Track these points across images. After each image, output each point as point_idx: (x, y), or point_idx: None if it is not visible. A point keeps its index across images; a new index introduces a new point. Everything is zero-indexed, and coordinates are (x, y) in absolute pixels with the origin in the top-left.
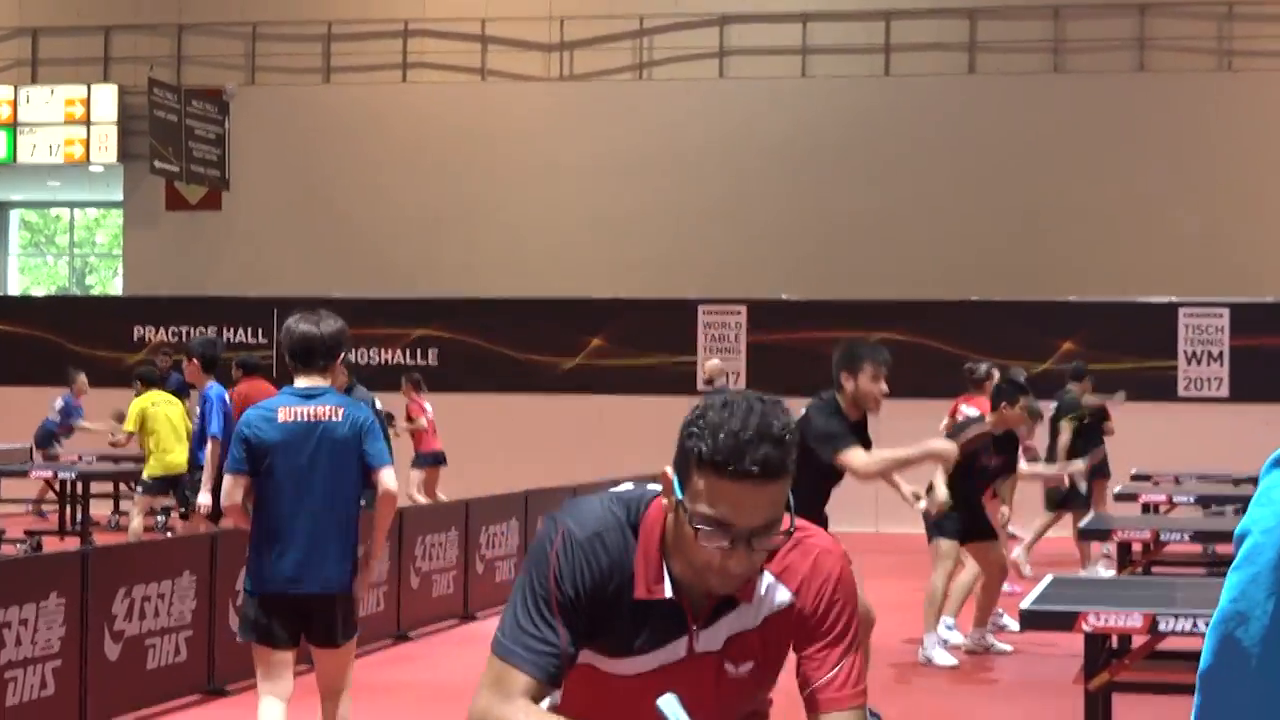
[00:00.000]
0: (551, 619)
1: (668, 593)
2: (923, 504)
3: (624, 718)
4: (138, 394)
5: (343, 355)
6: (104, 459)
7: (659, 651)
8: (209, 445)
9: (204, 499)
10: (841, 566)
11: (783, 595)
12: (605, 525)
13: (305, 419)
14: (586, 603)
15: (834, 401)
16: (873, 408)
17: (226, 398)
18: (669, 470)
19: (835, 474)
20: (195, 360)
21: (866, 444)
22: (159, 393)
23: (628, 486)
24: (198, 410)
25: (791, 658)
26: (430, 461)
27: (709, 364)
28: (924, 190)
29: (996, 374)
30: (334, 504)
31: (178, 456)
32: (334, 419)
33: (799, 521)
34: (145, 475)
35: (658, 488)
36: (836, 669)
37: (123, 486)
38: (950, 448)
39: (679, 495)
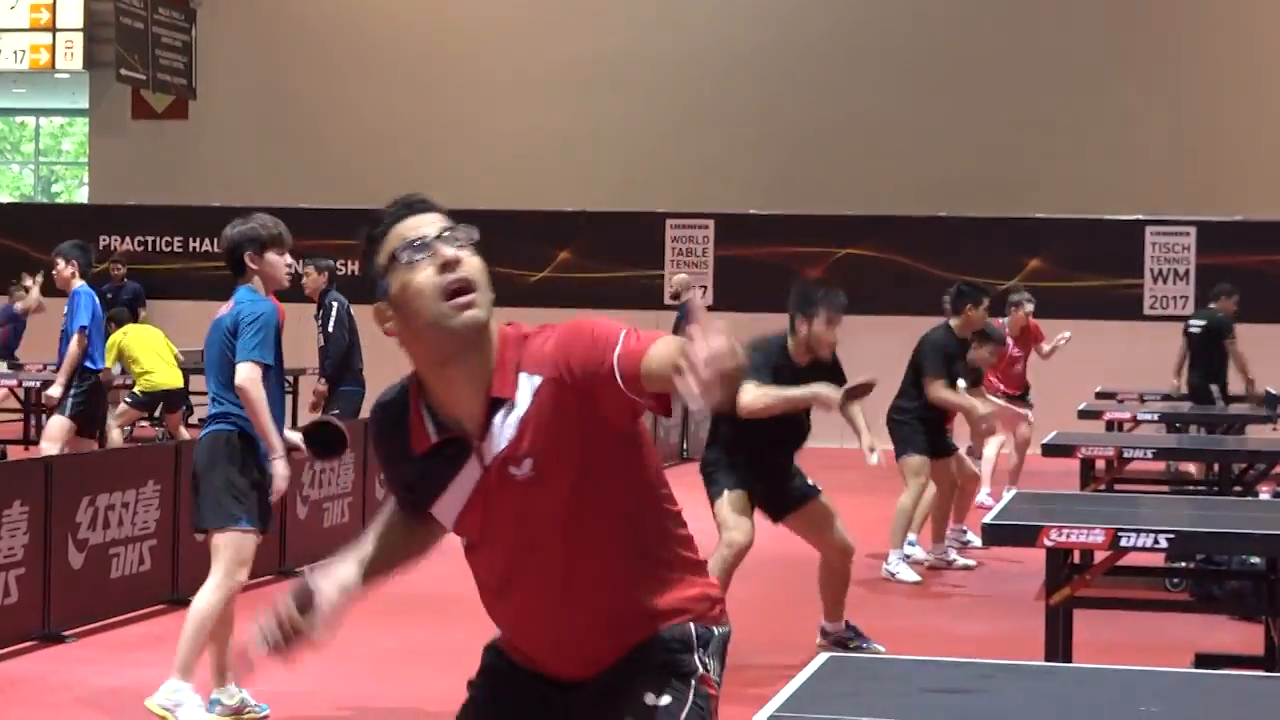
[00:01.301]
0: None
1: (433, 438)
2: (875, 459)
3: (492, 575)
4: (111, 332)
5: (251, 256)
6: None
7: (458, 477)
8: (74, 339)
9: (56, 391)
10: (571, 322)
11: (535, 379)
12: (390, 394)
13: (218, 317)
14: (390, 462)
15: (779, 345)
16: (824, 353)
17: (96, 301)
18: (376, 305)
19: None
20: (72, 263)
21: (836, 381)
22: (131, 325)
23: None
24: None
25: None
26: None
27: (676, 278)
28: (893, 105)
29: (1029, 304)
30: (218, 394)
31: (161, 376)
32: (223, 313)
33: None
34: (136, 389)
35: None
36: (620, 347)
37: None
38: (834, 394)
39: (384, 288)
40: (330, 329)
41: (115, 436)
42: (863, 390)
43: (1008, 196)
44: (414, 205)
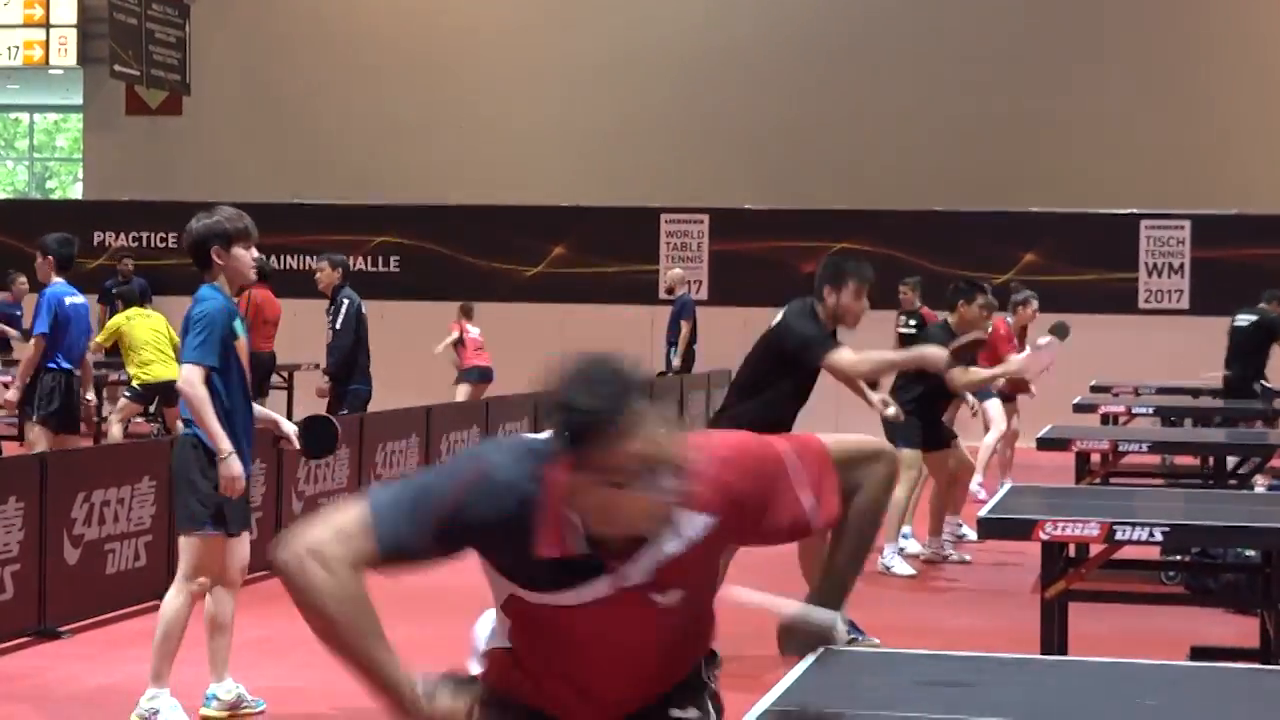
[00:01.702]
0: (428, 526)
1: (574, 549)
2: (891, 410)
3: (572, 648)
4: (111, 314)
5: (218, 251)
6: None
7: (581, 589)
8: (32, 343)
9: (13, 395)
10: (726, 445)
11: (705, 518)
12: (512, 474)
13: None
14: (480, 537)
15: (812, 309)
16: (850, 324)
17: (65, 300)
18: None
19: (812, 379)
20: (50, 258)
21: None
22: (136, 309)
23: (543, 438)
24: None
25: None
26: (475, 377)
27: (671, 274)
28: (888, 100)
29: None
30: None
31: (159, 368)
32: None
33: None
34: (134, 382)
35: (533, 446)
36: (810, 497)
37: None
38: (941, 354)
39: (581, 477)
40: (338, 326)
41: (115, 432)
42: (972, 347)
43: (1003, 191)
44: (643, 395)
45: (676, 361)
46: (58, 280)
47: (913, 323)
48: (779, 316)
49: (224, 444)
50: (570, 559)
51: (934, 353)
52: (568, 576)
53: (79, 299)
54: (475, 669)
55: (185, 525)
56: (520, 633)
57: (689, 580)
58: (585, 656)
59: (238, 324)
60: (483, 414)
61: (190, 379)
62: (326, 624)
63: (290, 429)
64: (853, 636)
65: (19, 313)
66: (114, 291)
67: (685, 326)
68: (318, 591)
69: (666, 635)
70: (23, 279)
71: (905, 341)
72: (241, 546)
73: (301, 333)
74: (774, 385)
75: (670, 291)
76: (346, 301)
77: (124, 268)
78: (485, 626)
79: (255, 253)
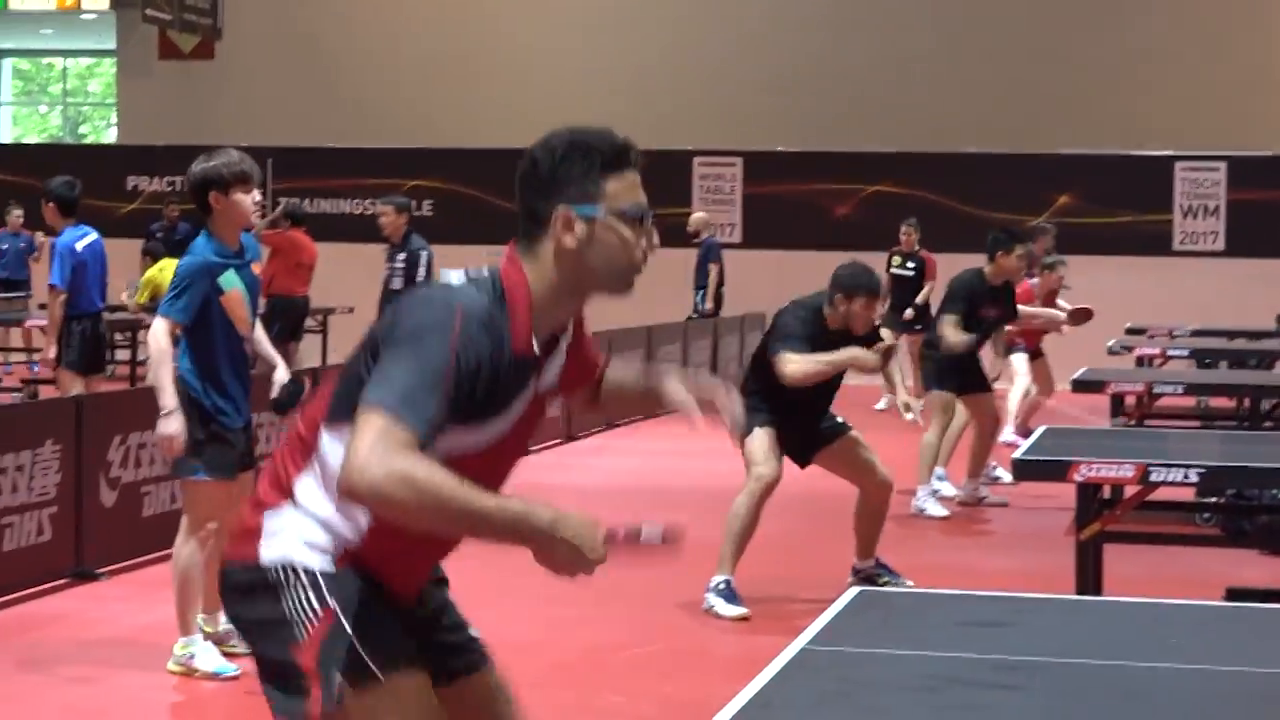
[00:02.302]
0: (439, 390)
1: (535, 349)
2: (911, 416)
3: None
4: (146, 267)
5: (216, 196)
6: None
7: (519, 400)
8: (51, 299)
9: (50, 354)
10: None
11: (567, 337)
12: (484, 303)
13: None
14: (481, 371)
15: (817, 311)
16: (859, 330)
17: (76, 246)
18: (564, 207)
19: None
20: (53, 203)
21: (902, 283)
22: (167, 259)
23: (459, 274)
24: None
25: None
26: None
27: (694, 216)
28: (920, 41)
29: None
30: None
31: None
32: None
33: None
34: None
35: (476, 270)
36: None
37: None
38: (871, 358)
39: (594, 212)
40: (418, 279)
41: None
42: (891, 352)
43: (1036, 132)
44: (637, 160)
45: (709, 305)
46: (67, 225)
47: (910, 265)
48: (788, 304)
49: (166, 400)
50: (520, 360)
51: (864, 355)
52: (523, 378)
53: (91, 237)
54: (319, 561)
55: (179, 472)
56: None
57: (561, 383)
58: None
59: (228, 276)
60: None
61: (154, 331)
62: (439, 515)
63: (280, 379)
64: (886, 579)
65: (5, 244)
66: (158, 236)
67: (714, 269)
68: (404, 501)
69: (522, 454)
70: (18, 212)
71: (900, 284)
72: (244, 490)
73: (335, 276)
74: (769, 373)
75: (696, 235)
76: (424, 253)
77: (170, 214)
78: (317, 527)
79: (256, 196)
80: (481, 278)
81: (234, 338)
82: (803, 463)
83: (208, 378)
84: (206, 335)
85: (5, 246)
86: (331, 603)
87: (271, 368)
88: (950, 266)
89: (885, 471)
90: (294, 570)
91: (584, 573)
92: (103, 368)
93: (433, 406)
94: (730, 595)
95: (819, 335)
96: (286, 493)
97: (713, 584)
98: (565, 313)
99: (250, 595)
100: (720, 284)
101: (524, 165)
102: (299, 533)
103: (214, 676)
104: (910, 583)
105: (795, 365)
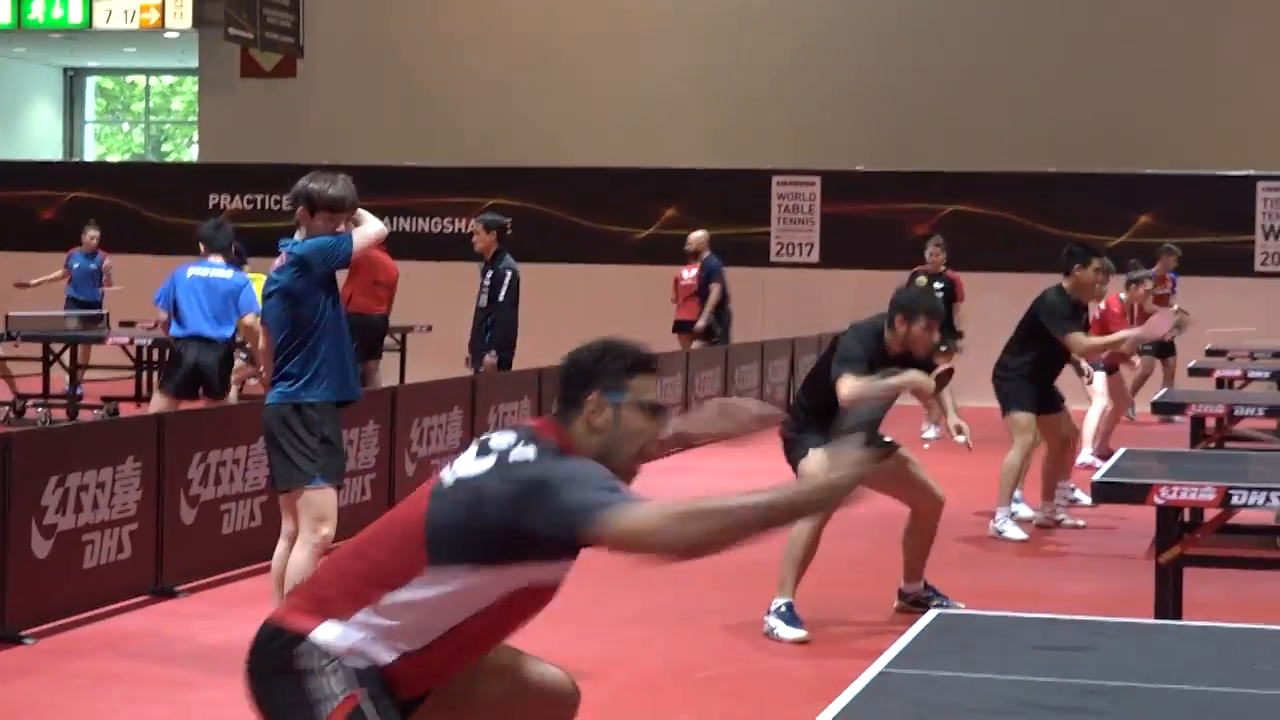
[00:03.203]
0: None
1: None
2: (962, 439)
3: (509, 628)
4: None
5: (301, 214)
6: None
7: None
8: (246, 328)
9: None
10: None
11: None
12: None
13: None
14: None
15: (879, 332)
16: (920, 353)
17: (186, 273)
18: (597, 394)
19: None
20: (201, 244)
21: (926, 369)
22: (249, 272)
23: (509, 437)
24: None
25: None
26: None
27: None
28: (1000, 60)
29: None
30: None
31: None
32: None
33: None
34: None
35: (527, 446)
36: None
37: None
38: (929, 383)
39: (620, 399)
40: (500, 298)
41: (230, 394)
42: (948, 376)
43: (1117, 152)
44: (657, 367)
45: (700, 325)
46: (206, 259)
47: (938, 285)
48: (850, 326)
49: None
50: None
51: (921, 379)
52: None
53: (211, 271)
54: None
55: (294, 482)
56: (484, 616)
57: None
58: (512, 625)
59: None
60: None
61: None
62: (735, 533)
63: None
64: (936, 602)
65: (76, 264)
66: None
67: (715, 289)
68: (714, 525)
69: None
70: (93, 233)
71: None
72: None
73: (413, 294)
74: (827, 391)
75: (695, 255)
76: (509, 273)
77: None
78: (367, 639)
79: (342, 227)
80: (543, 448)
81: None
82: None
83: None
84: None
85: (76, 266)
86: (358, 688)
87: None
88: (1028, 286)
89: (937, 489)
90: (330, 659)
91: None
92: (214, 394)
93: (620, 491)
94: (791, 618)
95: (879, 358)
96: (358, 604)
97: (773, 607)
98: None
99: (277, 676)
100: (721, 303)
101: (567, 361)
102: (348, 636)
103: None
104: (962, 605)
105: (849, 387)
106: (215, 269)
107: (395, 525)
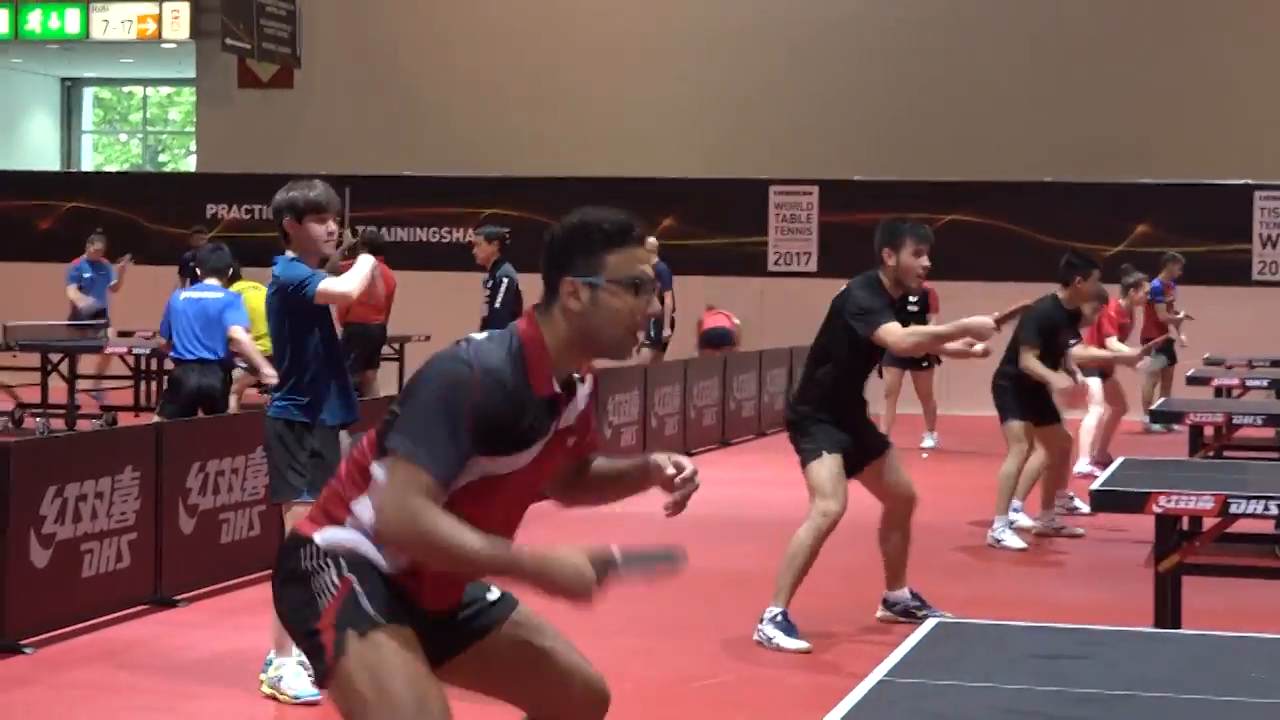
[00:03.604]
0: (461, 435)
1: (555, 388)
2: (1064, 383)
3: (500, 518)
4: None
5: (289, 223)
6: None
7: (542, 436)
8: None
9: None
10: None
11: (587, 385)
12: (501, 355)
13: None
14: (497, 420)
15: (876, 279)
16: (914, 284)
17: (179, 297)
18: (570, 278)
19: (874, 351)
20: (198, 270)
21: (904, 322)
22: (249, 282)
23: (474, 335)
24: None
25: None
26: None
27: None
28: (997, 69)
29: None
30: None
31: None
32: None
33: None
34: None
35: (497, 333)
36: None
37: None
38: (985, 322)
39: (596, 281)
40: (497, 304)
41: (230, 403)
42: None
43: (1114, 161)
44: (643, 237)
45: (657, 334)
46: (203, 283)
47: (911, 299)
48: (845, 287)
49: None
50: (544, 400)
51: (979, 320)
52: (537, 422)
53: (203, 294)
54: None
55: (282, 496)
56: (462, 508)
57: (580, 428)
58: (499, 516)
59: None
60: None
61: (326, 289)
62: (444, 559)
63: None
64: (924, 612)
65: (87, 274)
66: (191, 264)
67: (668, 297)
68: (420, 549)
69: (539, 490)
70: (99, 245)
71: (907, 321)
72: None
73: (411, 304)
74: (835, 360)
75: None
76: (506, 280)
77: (196, 242)
78: (366, 542)
79: (331, 226)
80: (501, 335)
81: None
82: (851, 474)
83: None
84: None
85: (90, 275)
86: (349, 575)
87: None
88: (1026, 296)
89: (911, 486)
90: (327, 557)
91: (582, 603)
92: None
93: (451, 453)
94: (789, 628)
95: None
96: (346, 508)
97: (768, 615)
98: (576, 362)
99: (289, 584)
100: (671, 310)
101: (545, 242)
102: (347, 539)
103: (295, 700)
104: (947, 615)
105: (903, 335)
106: (208, 291)
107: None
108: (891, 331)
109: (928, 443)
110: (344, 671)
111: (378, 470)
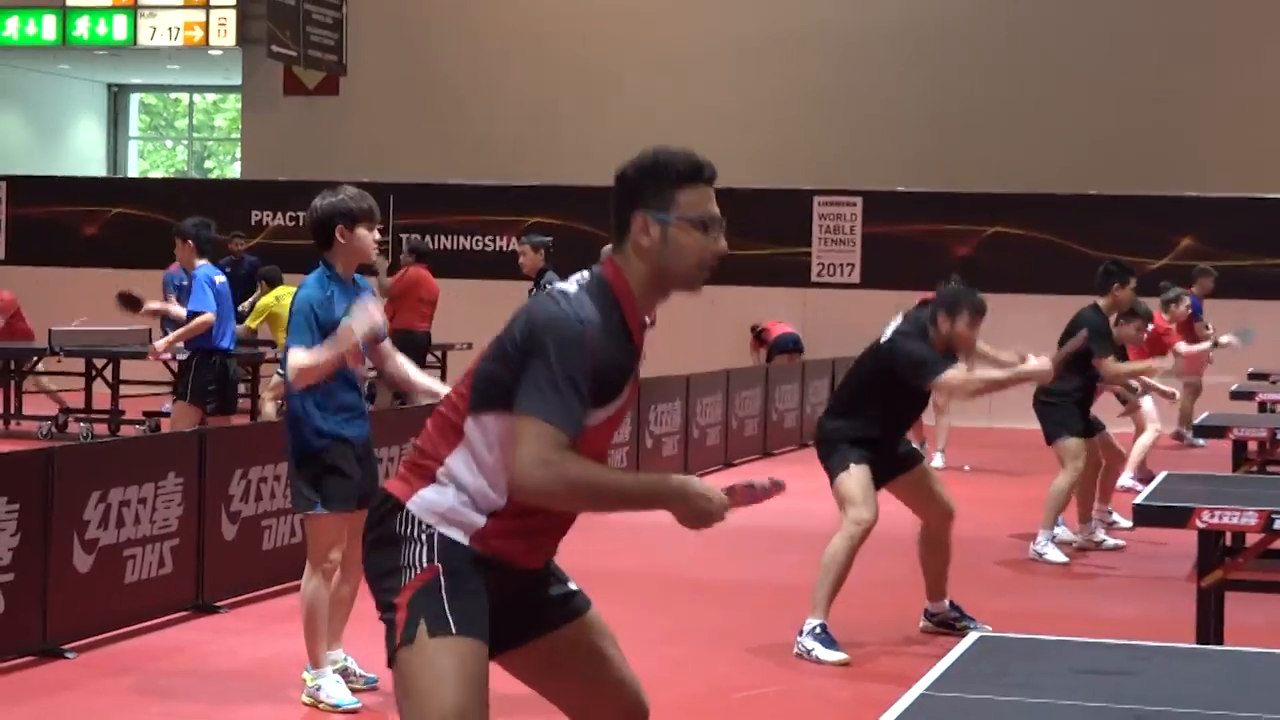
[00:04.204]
0: (583, 389)
1: (646, 323)
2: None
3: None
4: (263, 293)
5: (342, 230)
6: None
7: (631, 377)
8: (198, 319)
9: (160, 344)
10: None
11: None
12: (603, 310)
13: None
14: (609, 372)
15: (921, 328)
16: (965, 351)
17: (216, 279)
18: (641, 213)
19: (913, 402)
20: (190, 242)
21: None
22: (284, 288)
23: (573, 283)
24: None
25: None
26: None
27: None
28: (1042, 80)
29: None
30: None
31: None
32: None
33: None
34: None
35: (581, 276)
36: None
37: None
38: (1045, 370)
39: (666, 217)
40: None
41: (269, 409)
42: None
43: (1159, 174)
44: (711, 176)
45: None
46: (202, 263)
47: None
48: (888, 334)
49: (327, 351)
50: (631, 350)
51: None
52: (625, 375)
53: (220, 278)
54: (448, 530)
55: (299, 507)
56: None
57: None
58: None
59: (345, 317)
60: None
61: (293, 364)
62: (592, 502)
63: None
64: (964, 623)
65: (183, 282)
66: (227, 271)
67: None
68: (565, 496)
69: (613, 437)
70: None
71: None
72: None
73: (454, 312)
74: (876, 402)
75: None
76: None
77: (235, 247)
78: (459, 500)
79: (377, 234)
80: (590, 283)
81: (348, 374)
82: (880, 484)
83: (323, 405)
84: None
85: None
86: (437, 563)
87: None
88: (1069, 308)
89: (949, 501)
90: (422, 527)
91: (716, 520)
92: (234, 407)
93: (579, 410)
94: (828, 640)
95: None
96: (439, 461)
97: (807, 627)
98: (653, 302)
99: (378, 546)
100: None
101: (615, 177)
102: (442, 501)
103: (335, 709)
104: (988, 627)
105: (963, 383)
106: (220, 275)
107: (464, 379)
108: (952, 380)
109: (936, 462)
110: (407, 660)
111: (470, 429)
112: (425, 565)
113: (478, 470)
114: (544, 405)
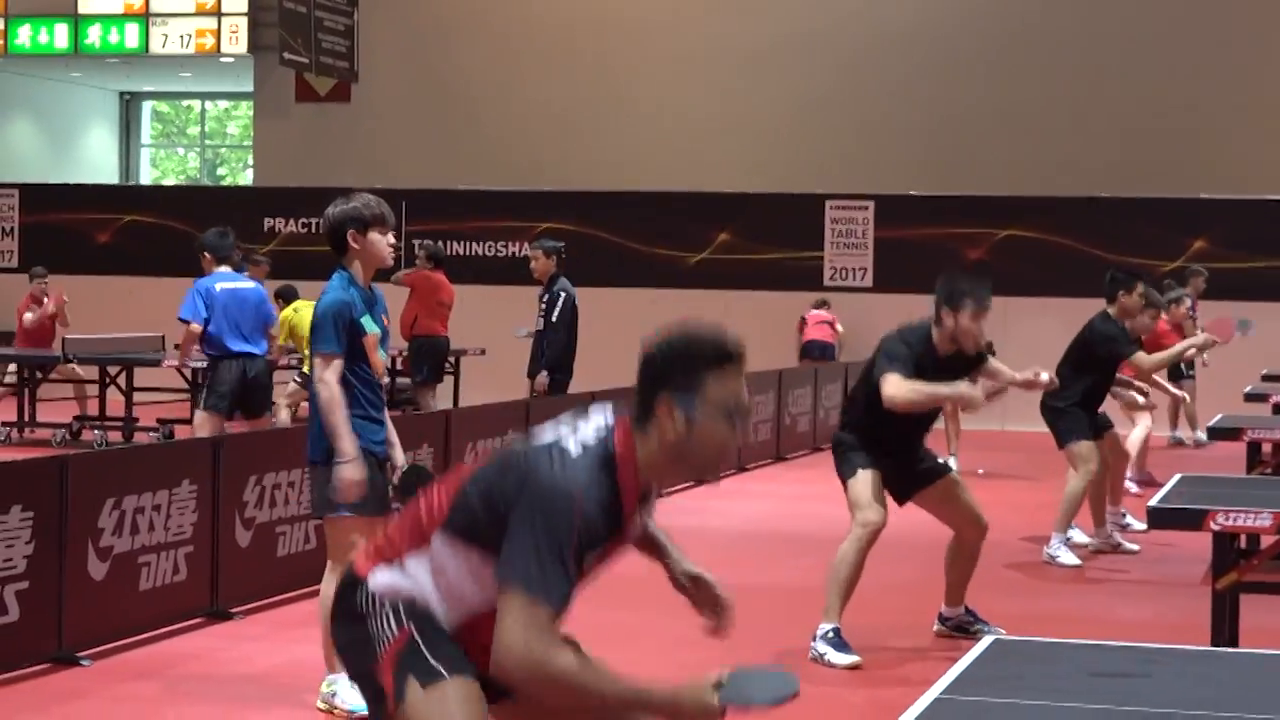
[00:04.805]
0: (570, 563)
1: (636, 501)
2: (1046, 376)
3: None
4: (280, 310)
5: (354, 235)
6: None
7: (614, 551)
8: (185, 331)
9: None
10: None
11: (655, 501)
12: (596, 478)
13: None
14: (594, 542)
15: (925, 331)
16: (969, 347)
17: (215, 287)
18: (667, 396)
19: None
20: (208, 254)
21: (958, 374)
22: (302, 300)
23: (577, 443)
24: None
25: None
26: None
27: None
28: (1054, 86)
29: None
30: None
31: None
32: None
33: None
34: (305, 368)
35: (591, 435)
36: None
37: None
38: (979, 398)
39: (692, 407)
40: (554, 319)
41: (284, 416)
42: (999, 395)
43: (1171, 177)
44: (742, 357)
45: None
46: (218, 270)
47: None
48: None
49: (346, 446)
50: (620, 524)
51: (971, 393)
52: (610, 550)
53: (237, 284)
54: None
55: (321, 509)
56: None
57: (626, 546)
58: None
59: (367, 320)
60: None
61: (324, 378)
62: (574, 698)
63: (399, 463)
64: (978, 627)
65: None
66: (276, 292)
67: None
68: (557, 685)
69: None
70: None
71: (960, 372)
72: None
73: (467, 318)
74: (876, 412)
75: None
76: (564, 295)
77: (256, 273)
78: (414, 596)
79: (391, 239)
80: (593, 445)
81: (370, 376)
82: (901, 500)
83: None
84: (346, 370)
85: None
86: (408, 624)
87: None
88: (1082, 312)
89: (979, 510)
90: (384, 603)
91: None
92: (261, 412)
93: (566, 584)
94: (840, 644)
95: (929, 362)
96: (400, 556)
97: (820, 632)
98: (665, 481)
99: (345, 620)
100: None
101: (642, 356)
102: (404, 585)
103: (350, 714)
104: (1002, 630)
105: (898, 389)
106: (237, 281)
107: (451, 480)
108: (892, 382)
109: (951, 464)
110: (408, 716)
111: (439, 544)
112: (396, 632)
113: (432, 583)
114: (527, 577)
